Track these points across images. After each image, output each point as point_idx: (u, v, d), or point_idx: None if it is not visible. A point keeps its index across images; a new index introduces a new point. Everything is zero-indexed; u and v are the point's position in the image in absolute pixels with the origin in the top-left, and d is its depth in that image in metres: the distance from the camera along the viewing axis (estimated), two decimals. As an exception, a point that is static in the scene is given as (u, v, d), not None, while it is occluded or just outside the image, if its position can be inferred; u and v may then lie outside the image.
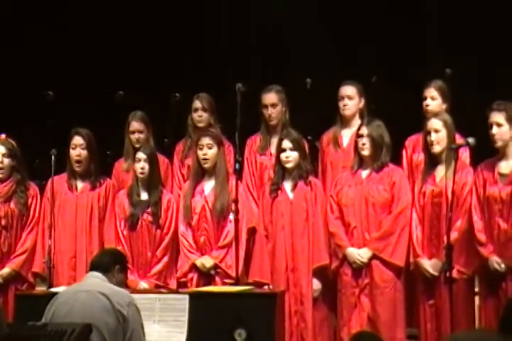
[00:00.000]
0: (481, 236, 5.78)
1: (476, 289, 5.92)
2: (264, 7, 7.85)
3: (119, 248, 6.11)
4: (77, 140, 6.58)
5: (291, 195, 6.26)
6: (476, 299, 5.88)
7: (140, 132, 6.82)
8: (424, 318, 5.90)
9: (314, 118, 6.63)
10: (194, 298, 5.27)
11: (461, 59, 7.21)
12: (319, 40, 7.78)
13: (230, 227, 6.19)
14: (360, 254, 6.05)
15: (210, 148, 6.32)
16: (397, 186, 6.10)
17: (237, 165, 6.17)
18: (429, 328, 5.87)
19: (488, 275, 5.75)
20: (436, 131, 5.96)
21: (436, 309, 5.84)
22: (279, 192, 6.27)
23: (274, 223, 6.24)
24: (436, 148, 5.95)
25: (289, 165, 6.23)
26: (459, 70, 6.73)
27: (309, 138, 6.61)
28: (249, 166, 6.70)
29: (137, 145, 6.72)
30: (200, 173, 6.39)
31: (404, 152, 6.57)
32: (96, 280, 4.63)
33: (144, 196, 6.43)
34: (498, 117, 5.81)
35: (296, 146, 6.23)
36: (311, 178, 6.29)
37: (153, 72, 7.84)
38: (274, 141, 6.59)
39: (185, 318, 5.19)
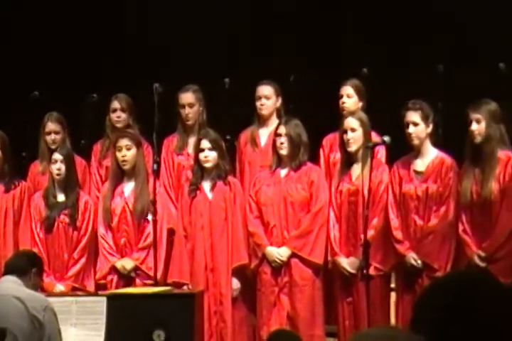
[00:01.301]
0: (398, 234, 5.87)
1: (392, 285, 6.01)
2: (179, 9, 7.83)
3: (35, 250, 6.03)
4: (-10, 141, 6.47)
5: (210, 195, 6.27)
6: (393, 295, 5.97)
7: (56, 133, 6.74)
8: (343, 315, 5.96)
9: (232, 117, 6.65)
10: (112, 300, 5.23)
11: (377, 58, 7.30)
12: (237, 39, 7.79)
13: (150, 229, 6.17)
14: (279, 253, 6.08)
15: (128, 149, 6.28)
16: (315, 185, 6.15)
17: (156, 166, 6.15)
18: (347, 325, 5.94)
19: (405, 271, 5.84)
20: (353, 130, 6.02)
21: (354, 306, 5.91)
22: (198, 192, 6.26)
23: (193, 223, 6.23)
24: (353, 147, 6.01)
25: (207, 165, 6.23)
26: (374, 69, 6.81)
27: (228, 137, 6.62)
28: (166, 166, 6.68)
29: (53, 147, 6.63)
30: (120, 175, 6.35)
31: (321, 151, 6.62)
32: (11, 285, 4.57)
33: (61, 198, 6.36)
34: (414, 116, 5.90)
35: (215, 146, 6.23)
36: (230, 178, 6.30)
37: (69, 73, 7.75)
38: (191, 140, 6.59)
39: (103, 321, 5.15)
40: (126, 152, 6.26)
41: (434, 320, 1.90)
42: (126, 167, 6.28)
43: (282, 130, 6.17)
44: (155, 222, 6.02)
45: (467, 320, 1.88)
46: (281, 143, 6.16)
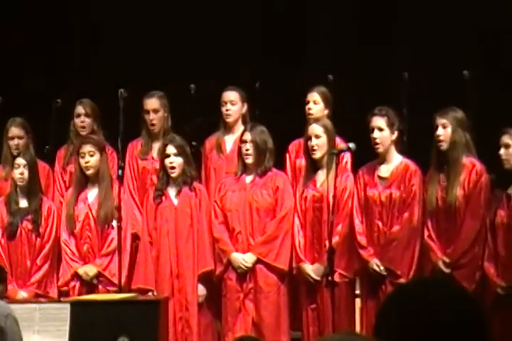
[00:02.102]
0: (362, 239, 5.89)
1: (357, 291, 6.02)
2: (147, 13, 7.81)
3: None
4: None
5: (175, 201, 6.25)
6: (357, 301, 5.99)
7: (19, 138, 6.69)
8: (307, 322, 5.97)
9: (198, 123, 6.64)
10: (76, 306, 5.20)
11: (343, 65, 7.33)
12: (203, 45, 7.79)
13: (113, 235, 6.14)
14: (244, 259, 6.08)
15: (91, 155, 6.25)
16: (280, 191, 6.16)
17: (120, 172, 6.11)
18: (311, 331, 5.94)
19: (369, 277, 5.86)
20: (317, 137, 6.03)
21: (319, 312, 5.92)
22: (164, 198, 6.24)
23: (158, 229, 6.21)
24: (317, 154, 6.02)
25: (173, 171, 6.21)
26: (340, 76, 6.84)
27: (193, 143, 6.60)
28: (130, 171, 6.65)
29: (16, 152, 6.58)
30: (83, 181, 6.31)
31: (287, 156, 6.62)
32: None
33: (24, 203, 6.31)
34: (379, 122, 5.92)
35: (181, 152, 6.21)
36: (196, 184, 6.28)
37: (34, 78, 7.70)
38: (156, 145, 6.57)
39: (67, 328, 5.11)
40: (90, 158, 6.22)
41: (396, 326, 1.90)
42: (90, 173, 6.25)
43: (248, 136, 6.17)
44: (119, 228, 5.98)
45: (429, 326, 1.88)
46: (247, 150, 6.15)
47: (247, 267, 6.06)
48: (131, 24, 7.80)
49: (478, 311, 1.92)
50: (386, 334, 1.91)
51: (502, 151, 5.64)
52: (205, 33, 7.82)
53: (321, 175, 6.04)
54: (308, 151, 6.08)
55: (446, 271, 5.72)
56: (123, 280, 5.99)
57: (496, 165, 5.75)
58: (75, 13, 7.93)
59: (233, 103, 6.61)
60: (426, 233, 5.82)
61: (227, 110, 6.62)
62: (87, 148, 6.25)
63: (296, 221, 6.08)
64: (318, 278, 5.91)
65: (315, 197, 6.03)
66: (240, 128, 6.56)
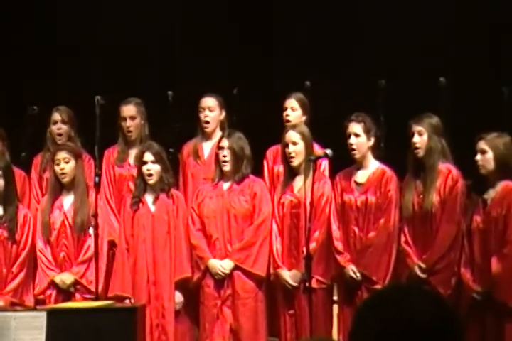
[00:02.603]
0: (339, 245, 5.90)
1: (335, 298, 6.03)
2: (124, 20, 7.80)
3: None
4: None
5: (152, 208, 6.23)
6: (335, 307, 6.00)
7: (-5, 145, 6.66)
8: (285, 328, 5.97)
9: (176, 130, 6.63)
10: (52, 314, 5.15)
11: (320, 71, 7.35)
12: (181, 52, 7.79)
13: (90, 242, 6.11)
14: (222, 265, 6.07)
15: (67, 162, 6.22)
16: (257, 197, 6.16)
17: (97, 179, 6.10)
18: (289, 337, 5.95)
19: (345, 283, 5.87)
20: (294, 143, 6.04)
21: (296, 318, 5.92)
22: (141, 205, 6.23)
23: (135, 236, 6.19)
24: (295, 161, 6.03)
25: (150, 178, 6.19)
26: (317, 83, 6.86)
27: (171, 150, 6.60)
28: (107, 178, 6.64)
29: (-8, 159, 6.54)
30: (59, 188, 6.28)
31: (265, 163, 6.63)
32: None
33: (-1, 211, 6.27)
34: (356, 128, 5.95)
35: (158, 159, 6.20)
36: (173, 191, 6.27)
37: (10, 84, 7.66)
38: (133, 152, 6.56)
39: (43, 336, 5.07)
40: (65, 165, 6.19)
41: (372, 333, 1.91)
42: (65, 180, 6.22)
43: (225, 143, 6.18)
44: (96, 235, 5.96)
45: (405, 333, 1.89)
46: (224, 156, 6.16)
47: (224, 273, 6.06)
48: (109, 31, 7.79)
49: (454, 317, 1.93)
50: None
51: (478, 157, 5.67)
52: (183, 39, 7.82)
53: (298, 182, 6.05)
54: (285, 158, 6.08)
55: (423, 276, 5.74)
56: (100, 287, 5.97)
57: (471, 171, 5.78)
58: (41, 22, 7.91)
59: (211, 109, 6.62)
60: (402, 238, 5.84)
61: (204, 116, 6.62)
62: (62, 154, 6.23)
63: (274, 227, 6.09)
64: (295, 284, 5.92)
65: (293, 203, 6.04)
66: (217, 134, 6.56)
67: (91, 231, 6.08)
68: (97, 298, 5.87)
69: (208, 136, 6.68)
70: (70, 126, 6.74)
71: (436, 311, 1.91)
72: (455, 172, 5.84)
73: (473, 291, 5.59)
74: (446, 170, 5.84)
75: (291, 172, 6.11)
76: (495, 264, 5.53)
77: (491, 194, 5.67)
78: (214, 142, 6.52)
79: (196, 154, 6.64)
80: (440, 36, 7.35)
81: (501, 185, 5.64)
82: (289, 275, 5.95)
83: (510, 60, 7.21)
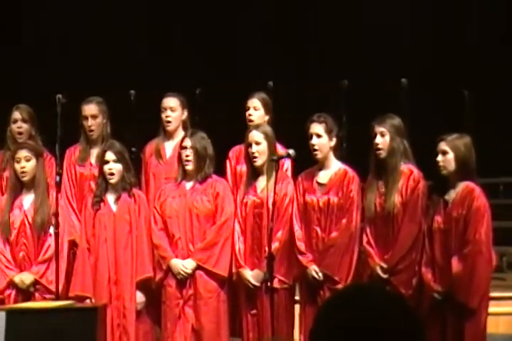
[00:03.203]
0: (301, 245, 5.91)
1: (297, 297, 6.04)
2: (87, 19, 7.76)
3: None
4: None
5: (114, 208, 6.20)
6: (297, 307, 6.00)
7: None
8: (247, 328, 5.97)
9: (138, 129, 6.61)
10: (11, 314, 5.11)
11: (283, 72, 7.37)
12: (144, 51, 7.76)
13: (50, 241, 6.06)
14: (184, 265, 6.06)
15: (27, 160, 6.17)
16: (220, 197, 6.15)
17: (58, 178, 6.05)
18: (251, 337, 5.95)
19: (307, 283, 5.88)
20: (257, 143, 6.04)
21: (258, 318, 5.92)
22: (102, 204, 6.19)
23: (96, 236, 6.15)
24: (258, 161, 6.03)
25: (112, 177, 6.16)
26: (280, 83, 6.88)
27: (133, 149, 6.57)
28: (68, 177, 6.59)
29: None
30: (19, 187, 6.22)
31: (228, 163, 6.63)
32: None
33: (-43, 211, 6.20)
34: (317, 128, 5.96)
35: (120, 158, 6.16)
36: (135, 190, 6.24)
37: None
38: (94, 151, 6.52)
39: (2, 337, 5.02)
40: (26, 163, 6.14)
41: (333, 332, 1.91)
42: (26, 178, 6.16)
43: (188, 143, 6.16)
44: (57, 234, 5.91)
45: (366, 332, 1.89)
46: (187, 156, 6.14)
47: (186, 273, 6.05)
48: (71, 29, 7.75)
49: (415, 317, 1.94)
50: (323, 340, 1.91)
51: (439, 158, 5.71)
52: (146, 39, 7.80)
53: (261, 182, 6.05)
54: (248, 158, 6.08)
55: (384, 276, 5.77)
56: (60, 287, 5.92)
57: (433, 172, 5.82)
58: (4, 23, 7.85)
59: (173, 109, 6.60)
60: (364, 239, 5.86)
61: (167, 116, 6.60)
62: (23, 153, 6.17)
63: (237, 227, 6.08)
64: (257, 284, 5.92)
65: (255, 203, 6.04)
66: (180, 134, 6.55)
67: (51, 230, 6.03)
68: (57, 298, 5.82)
69: (170, 136, 6.66)
70: (31, 124, 6.68)
71: (397, 311, 1.92)
72: (417, 173, 5.88)
73: (434, 291, 5.63)
74: (408, 170, 5.87)
75: (254, 172, 6.11)
76: (455, 264, 5.57)
77: (451, 195, 5.71)
78: (176, 142, 6.50)
79: (158, 154, 6.62)
80: (401, 37, 7.40)
81: (462, 186, 5.69)
82: (252, 275, 5.95)
83: (471, 62, 7.28)
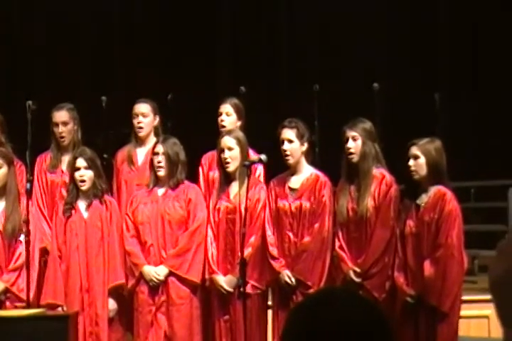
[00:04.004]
0: (274, 250, 5.91)
1: (270, 303, 6.03)
2: (58, 24, 7.73)
3: None
4: None
5: (85, 215, 6.16)
6: (270, 313, 5.99)
7: None
8: (220, 333, 5.95)
9: (110, 136, 6.59)
10: (-18, 323, 5.07)
11: (255, 76, 7.38)
12: (115, 57, 7.74)
13: (21, 249, 6.01)
14: (156, 272, 6.03)
15: (-2, 168, 6.12)
16: (192, 203, 6.13)
17: (29, 185, 6.00)
18: (224, 343, 5.93)
19: (280, 288, 5.88)
20: (230, 149, 6.03)
21: (231, 324, 5.91)
22: (73, 211, 6.15)
23: (68, 243, 6.11)
24: (231, 167, 6.02)
25: (83, 184, 6.12)
26: (252, 88, 6.88)
27: (105, 156, 6.55)
28: (39, 184, 6.55)
29: None
30: (-11, 194, 6.17)
31: (200, 169, 6.61)
32: None
33: None
34: (289, 134, 5.96)
35: (91, 165, 6.13)
36: (106, 197, 6.21)
37: None
38: (65, 158, 6.49)
39: (-28, 345, 4.98)
40: (-5, 171, 6.09)
41: (303, 336, 1.90)
42: (-4, 186, 6.11)
43: (160, 149, 6.14)
44: (28, 242, 5.86)
45: (336, 336, 1.88)
46: (159, 162, 6.12)
47: (159, 280, 6.02)
48: (41, 34, 7.71)
49: (384, 319, 1.94)
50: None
51: (411, 162, 5.73)
52: (118, 44, 7.77)
53: (234, 187, 6.04)
54: (221, 163, 6.07)
55: (357, 280, 5.78)
56: (31, 295, 5.87)
57: (404, 176, 5.84)
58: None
59: (145, 115, 6.58)
60: (337, 243, 5.87)
61: (138, 122, 6.58)
62: (-6, 160, 6.12)
63: (209, 232, 6.07)
64: (230, 289, 5.90)
65: (228, 209, 6.02)
66: (151, 140, 6.53)
67: (22, 238, 5.99)
68: (28, 306, 5.77)
69: (141, 142, 6.64)
70: (1, 131, 6.63)
71: (367, 313, 1.91)
72: (389, 177, 5.89)
73: (407, 295, 5.64)
74: (380, 175, 5.89)
75: (227, 178, 6.10)
76: (427, 268, 5.59)
77: (423, 199, 5.73)
78: (148, 148, 6.48)
79: (130, 160, 6.60)
80: (373, 42, 7.43)
81: (433, 190, 5.71)
82: (224, 281, 5.93)
83: (443, 66, 7.32)
